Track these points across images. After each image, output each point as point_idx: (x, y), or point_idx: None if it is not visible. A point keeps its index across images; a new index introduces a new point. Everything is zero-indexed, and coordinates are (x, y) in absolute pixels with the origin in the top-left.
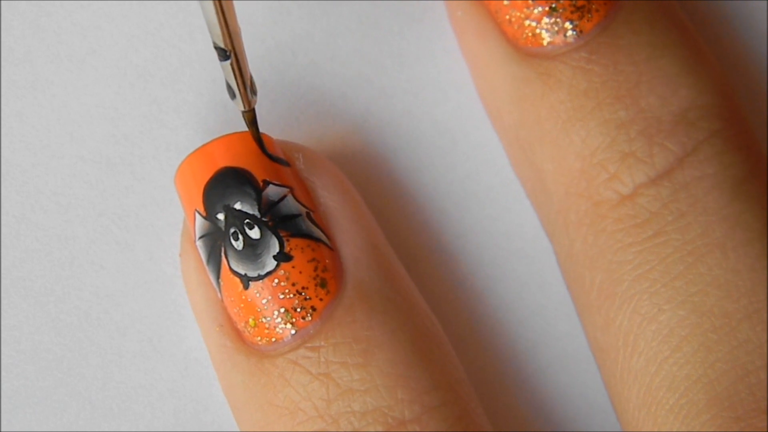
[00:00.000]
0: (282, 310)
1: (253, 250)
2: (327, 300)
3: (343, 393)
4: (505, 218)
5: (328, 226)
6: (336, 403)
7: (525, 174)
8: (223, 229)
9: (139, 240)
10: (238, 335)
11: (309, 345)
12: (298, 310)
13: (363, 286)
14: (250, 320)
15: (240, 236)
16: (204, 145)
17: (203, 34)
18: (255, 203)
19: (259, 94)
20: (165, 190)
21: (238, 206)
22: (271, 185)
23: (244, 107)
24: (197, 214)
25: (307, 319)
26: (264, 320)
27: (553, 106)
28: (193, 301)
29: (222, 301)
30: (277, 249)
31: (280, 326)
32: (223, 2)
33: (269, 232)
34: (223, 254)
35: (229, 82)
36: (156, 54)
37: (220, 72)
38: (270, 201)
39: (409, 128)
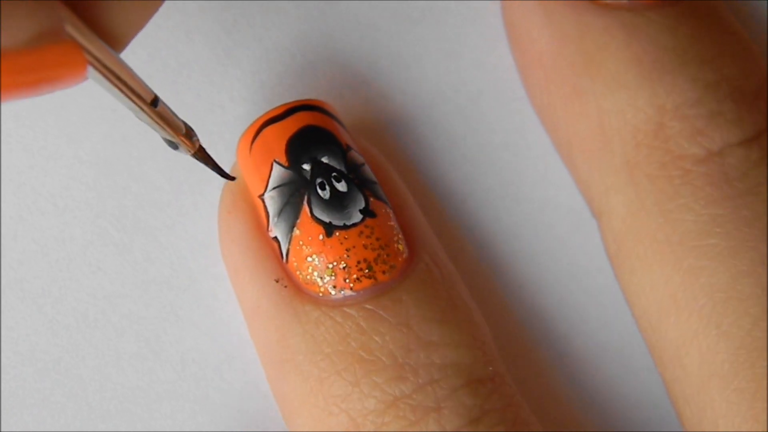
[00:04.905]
0: (364, 260)
1: (339, 201)
2: (405, 260)
3: (424, 345)
4: (504, 219)
5: (396, 199)
6: (416, 354)
7: (576, 127)
8: (308, 178)
9: (137, 241)
10: (297, 288)
11: (391, 296)
12: (380, 263)
13: (433, 255)
14: (329, 269)
15: (327, 186)
16: (287, 103)
17: (200, 36)
18: (342, 161)
19: (257, 95)
20: (162, 191)
21: (325, 160)
22: (352, 150)
23: (190, 150)
24: (276, 165)
25: (387, 273)
26: (344, 269)
27: (638, 56)
28: (242, 257)
29: (286, 253)
30: (363, 204)
31: (361, 276)
32: (109, 68)
33: (355, 188)
34: (305, 203)
35: (164, 134)
36: (153, 55)
37: (218, 74)
38: (354, 162)
39: (407, 130)
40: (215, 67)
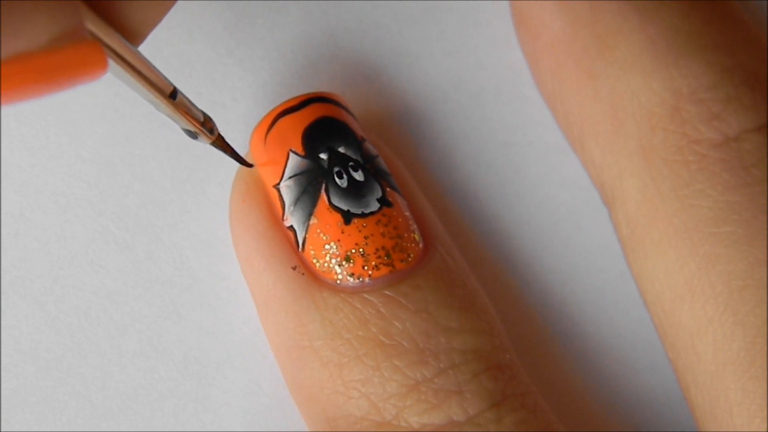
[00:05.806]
0: (382, 247)
1: (357, 189)
2: (421, 250)
3: (444, 330)
4: (508, 215)
5: (406, 193)
6: (436, 339)
7: (589, 111)
8: (326, 167)
9: (139, 240)
10: (313, 276)
11: (409, 283)
12: (398, 252)
13: (446, 247)
14: (347, 256)
15: (344, 175)
16: (302, 95)
17: (202, 35)
18: (358, 151)
19: (258, 94)
20: (165, 189)
21: (342, 149)
22: (366, 142)
23: (209, 139)
24: (292, 154)
25: (404, 262)
26: (363, 256)
27: (652, 39)
28: (256, 246)
29: (302, 242)
30: (380, 193)
31: (380, 264)
32: (130, 64)
33: (372, 178)
34: (323, 191)
35: (184, 124)
36: (155, 54)
37: (220, 73)
38: (369, 154)
39: (409, 128)
40: (217, 66)
